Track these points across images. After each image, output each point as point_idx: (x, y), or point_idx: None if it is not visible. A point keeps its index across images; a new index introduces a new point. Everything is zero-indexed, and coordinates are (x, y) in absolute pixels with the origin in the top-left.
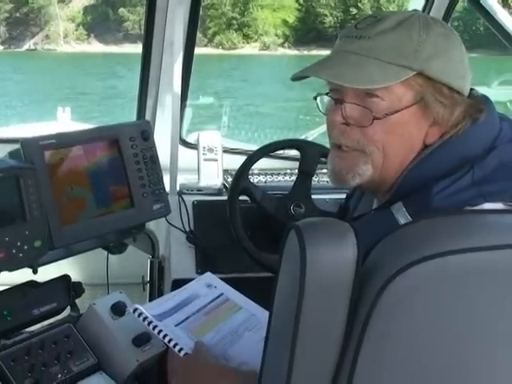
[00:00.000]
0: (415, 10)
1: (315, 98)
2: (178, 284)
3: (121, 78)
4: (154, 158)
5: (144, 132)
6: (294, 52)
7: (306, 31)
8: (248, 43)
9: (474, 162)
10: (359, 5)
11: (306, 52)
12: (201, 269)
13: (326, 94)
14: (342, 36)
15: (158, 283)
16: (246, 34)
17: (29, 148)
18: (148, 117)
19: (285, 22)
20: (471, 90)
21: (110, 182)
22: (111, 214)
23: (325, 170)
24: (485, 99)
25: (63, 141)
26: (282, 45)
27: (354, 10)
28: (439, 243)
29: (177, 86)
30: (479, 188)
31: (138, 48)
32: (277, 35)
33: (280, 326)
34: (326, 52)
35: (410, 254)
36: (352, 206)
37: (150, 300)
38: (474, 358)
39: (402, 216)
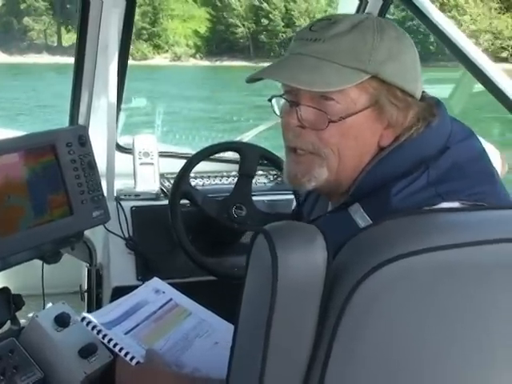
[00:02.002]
0: (369, 14)
1: (270, 100)
2: (119, 292)
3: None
4: (91, 164)
5: (81, 137)
6: (205, 63)
7: (217, 42)
8: (159, 54)
9: (429, 163)
10: (270, 16)
11: (218, 63)
12: (141, 275)
13: (281, 96)
14: (296, 38)
15: (96, 292)
16: (156, 44)
17: None
18: (81, 122)
19: (196, 32)
20: (422, 92)
21: (48, 190)
22: (50, 222)
23: (261, 172)
24: (436, 101)
25: None
26: (193, 55)
27: (265, 21)
28: (404, 244)
29: (112, 90)
30: (435, 188)
31: (43, 58)
32: (188, 46)
33: (250, 330)
34: (238, 63)
35: (376, 256)
36: (306, 211)
37: (89, 309)
38: (444, 356)
39: (360, 217)
